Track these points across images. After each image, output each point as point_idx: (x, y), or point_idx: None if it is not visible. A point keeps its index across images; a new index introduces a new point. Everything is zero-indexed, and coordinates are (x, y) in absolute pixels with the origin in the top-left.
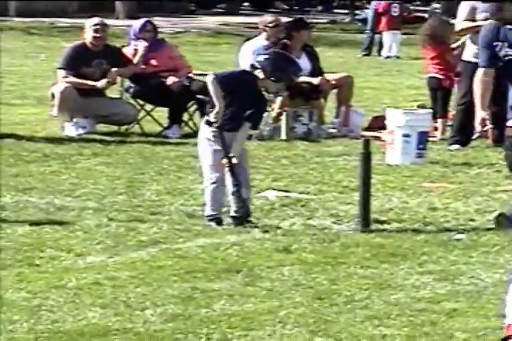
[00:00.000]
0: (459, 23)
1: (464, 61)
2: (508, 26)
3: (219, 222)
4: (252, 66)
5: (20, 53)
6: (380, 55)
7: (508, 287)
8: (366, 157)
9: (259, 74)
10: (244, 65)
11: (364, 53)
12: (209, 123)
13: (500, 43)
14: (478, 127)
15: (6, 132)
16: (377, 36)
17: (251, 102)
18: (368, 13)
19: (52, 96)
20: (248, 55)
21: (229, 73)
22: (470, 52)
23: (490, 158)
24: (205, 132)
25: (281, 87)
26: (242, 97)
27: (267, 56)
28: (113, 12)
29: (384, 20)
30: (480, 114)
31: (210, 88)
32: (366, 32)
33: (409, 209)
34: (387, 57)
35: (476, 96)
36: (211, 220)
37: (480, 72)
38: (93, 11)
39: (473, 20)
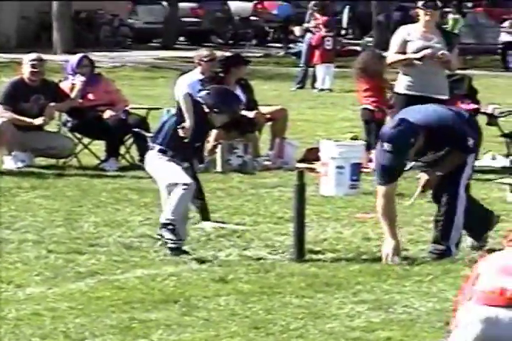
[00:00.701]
0: (390, 55)
1: (397, 93)
2: None
3: (173, 230)
4: (196, 102)
5: None
6: (313, 87)
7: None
8: (300, 188)
9: (204, 107)
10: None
11: (298, 86)
12: (163, 151)
13: None
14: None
15: None
16: (310, 69)
17: (203, 133)
18: (302, 47)
19: None
20: (184, 88)
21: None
22: (402, 84)
23: None
24: (158, 159)
25: (225, 119)
26: (198, 126)
27: (207, 91)
28: (51, 47)
29: (317, 53)
30: (390, 245)
31: (183, 103)
32: (300, 65)
33: (344, 240)
34: (321, 90)
35: (384, 225)
36: (166, 226)
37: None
38: (31, 46)
39: (404, 53)
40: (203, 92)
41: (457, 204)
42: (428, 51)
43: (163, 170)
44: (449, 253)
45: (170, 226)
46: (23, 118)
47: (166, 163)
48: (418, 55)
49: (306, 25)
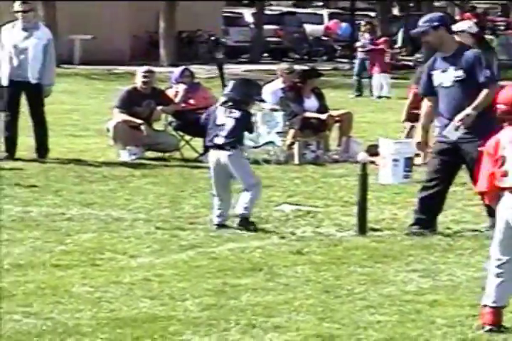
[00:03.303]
0: None
1: None
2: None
3: (248, 221)
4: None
5: (84, 94)
6: (372, 95)
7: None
8: (363, 177)
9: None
10: (264, 104)
11: (356, 94)
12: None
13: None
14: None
15: (72, 158)
16: (366, 80)
17: None
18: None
19: (108, 130)
20: (268, 95)
21: None
22: None
23: (463, 178)
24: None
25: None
26: None
27: (230, 88)
28: (158, 60)
29: (377, 64)
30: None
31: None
32: (360, 76)
33: (398, 220)
34: (379, 97)
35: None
36: (245, 219)
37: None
38: (142, 60)
39: None
40: (227, 90)
41: None
42: None
43: (248, 169)
44: None
45: (246, 219)
46: (133, 119)
47: (247, 162)
48: None
49: (357, 44)
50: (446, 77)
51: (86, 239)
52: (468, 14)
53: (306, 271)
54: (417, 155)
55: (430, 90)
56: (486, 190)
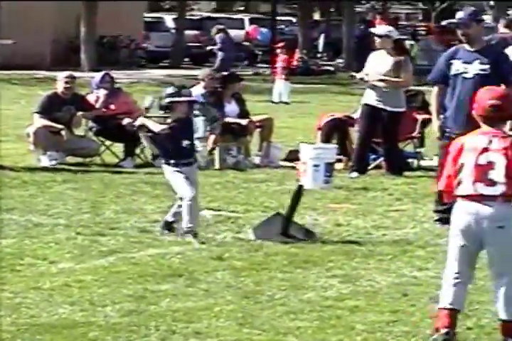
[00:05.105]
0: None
1: (363, 104)
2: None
3: (195, 234)
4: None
5: (5, 99)
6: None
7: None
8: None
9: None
10: None
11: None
12: (168, 163)
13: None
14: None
15: None
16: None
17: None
18: None
19: (28, 135)
20: None
21: None
22: (368, 97)
23: (384, 183)
24: (168, 173)
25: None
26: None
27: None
28: (79, 66)
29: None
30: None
31: None
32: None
33: (319, 225)
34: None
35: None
36: (189, 232)
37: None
38: (63, 65)
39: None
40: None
41: None
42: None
43: (173, 183)
44: None
45: (191, 232)
46: (54, 124)
47: (172, 175)
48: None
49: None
50: (469, 68)
51: (6, 245)
52: (379, 19)
53: (226, 276)
54: (339, 160)
55: (443, 78)
56: (444, 190)
